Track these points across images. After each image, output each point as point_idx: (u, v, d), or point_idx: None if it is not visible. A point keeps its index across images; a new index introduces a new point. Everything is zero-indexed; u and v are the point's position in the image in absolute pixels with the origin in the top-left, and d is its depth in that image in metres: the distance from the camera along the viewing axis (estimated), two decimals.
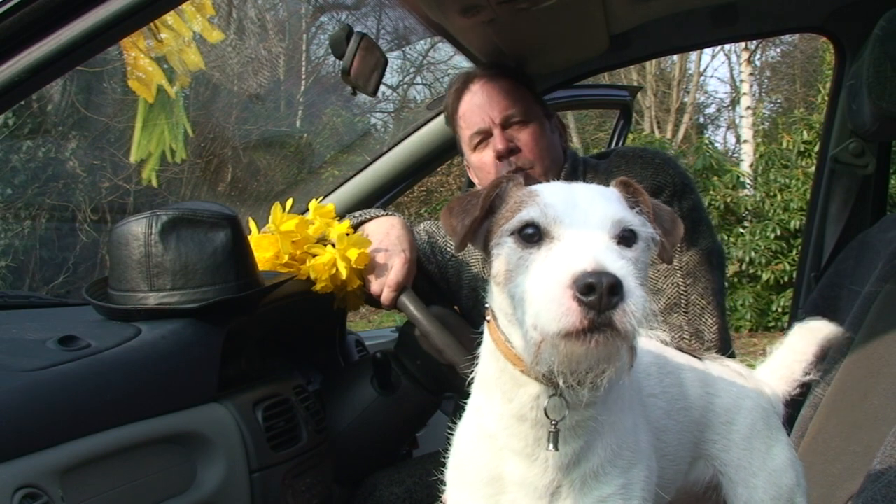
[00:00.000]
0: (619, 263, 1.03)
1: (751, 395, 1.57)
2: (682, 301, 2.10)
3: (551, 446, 1.20)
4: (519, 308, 1.12)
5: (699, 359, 1.60)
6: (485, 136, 2.26)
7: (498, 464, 1.27)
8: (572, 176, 2.24)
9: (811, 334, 1.70)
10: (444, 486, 1.37)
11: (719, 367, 1.61)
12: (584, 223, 1.10)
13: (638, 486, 1.25)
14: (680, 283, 2.11)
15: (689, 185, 2.22)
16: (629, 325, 1.01)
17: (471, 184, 2.68)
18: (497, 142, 2.21)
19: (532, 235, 1.11)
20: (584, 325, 1.00)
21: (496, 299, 1.21)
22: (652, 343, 1.53)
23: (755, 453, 1.53)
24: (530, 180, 2.17)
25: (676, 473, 1.47)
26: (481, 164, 2.28)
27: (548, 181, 2.15)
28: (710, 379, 1.55)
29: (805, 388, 1.72)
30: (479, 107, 2.25)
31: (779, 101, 18.54)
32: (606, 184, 2.19)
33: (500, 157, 2.21)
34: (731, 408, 1.54)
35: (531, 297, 1.07)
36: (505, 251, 1.14)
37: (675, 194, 2.17)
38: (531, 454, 1.24)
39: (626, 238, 1.12)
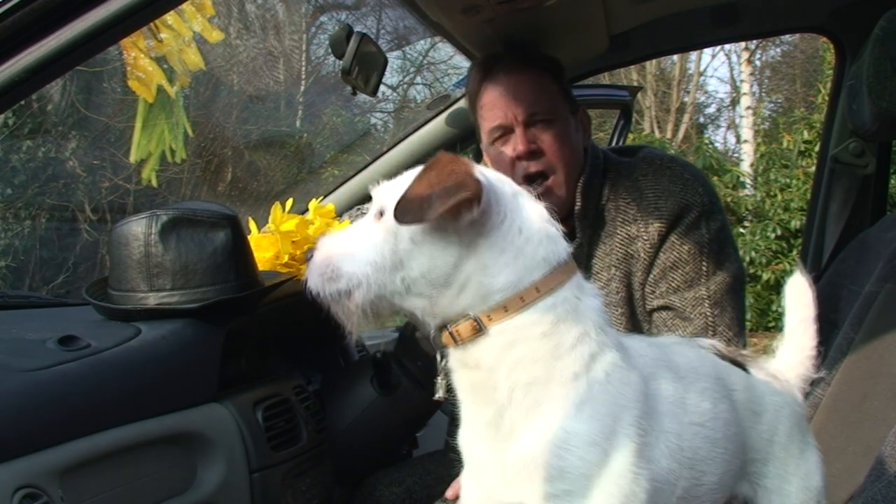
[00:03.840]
0: (326, 240, 1.34)
1: (788, 402, 1.55)
2: (710, 332, 2.03)
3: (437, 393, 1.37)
4: None
5: (745, 366, 1.56)
6: (506, 131, 2.11)
7: (460, 440, 1.36)
8: (592, 181, 2.13)
9: (809, 324, 1.66)
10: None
11: (759, 373, 1.58)
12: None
13: None
14: (708, 314, 2.04)
15: (716, 205, 2.14)
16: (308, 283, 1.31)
17: None
18: (519, 142, 2.08)
19: None
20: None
21: None
22: (710, 360, 1.49)
23: (790, 460, 1.52)
24: (547, 194, 2.05)
25: (718, 501, 1.43)
26: (499, 158, 2.15)
27: (571, 185, 2.10)
28: (758, 395, 1.52)
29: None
30: (502, 100, 2.10)
31: (779, 100, 18.53)
32: (631, 186, 2.15)
33: (520, 158, 2.09)
34: (773, 421, 1.52)
35: None
36: None
37: (702, 215, 2.08)
38: (471, 427, 1.32)
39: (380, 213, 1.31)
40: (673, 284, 2.07)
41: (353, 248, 1.29)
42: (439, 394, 1.36)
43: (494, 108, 2.12)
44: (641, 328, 2.13)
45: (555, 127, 2.10)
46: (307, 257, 1.34)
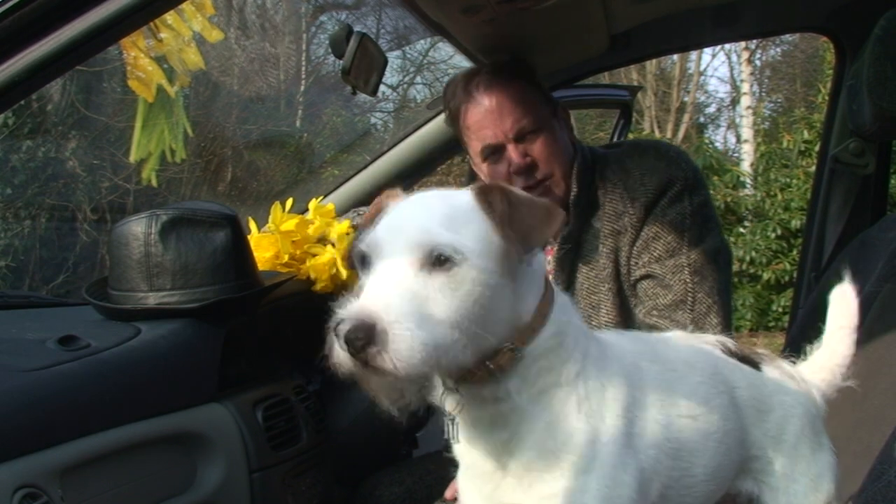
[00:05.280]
0: (388, 307, 1.08)
1: (801, 402, 1.55)
2: (689, 299, 2.09)
3: (450, 436, 1.28)
4: None
5: (758, 363, 1.56)
6: (496, 149, 2.16)
7: (456, 447, 1.34)
8: (585, 171, 2.20)
9: (847, 333, 1.63)
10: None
11: (774, 372, 1.57)
12: (390, 252, 1.14)
13: (589, 496, 1.23)
14: (688, 281, 2.09)
15: (700, 181, 2.21)
16: (391, 365, 1.06)
17: (471, 180, 2.67)
18: (514, 158, 2.12)
19: (366, 262, 1.18)
20: (349, 367, 1.10)
21: None
22: (712, 355, 1.49)
23: (800, 459, 1.52)
24: (547, 195, 2.14)
25: (713, 493, 1.44)
26: (495, 175, 2.19)
27: (566, 185, 2.16)
28: (765, 394, 1.52)
29: None
30: (488, 119, 2.14)
31: (779, 100, 18.51)
32: (618, 168, 2.21)
33: (519, 172, 2.13)
34: (781, 421, 1.52)
35: None
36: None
37: (686, 188, 2.15)
38: (468, 441, 1.30)
39: (438, 260, 1.12)
40: (655, 254, 2.12)
41: (414, 307, 1.09)
42: (453, 440, 1.30)
43: (482, 128, 2.16)
44: (628, 303, 2.18)
45: (543, 134, 2.15)
46: (338, 328, 1.09)
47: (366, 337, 1.06)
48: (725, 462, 1.44)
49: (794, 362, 1.66)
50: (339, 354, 1.09)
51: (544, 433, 1.24)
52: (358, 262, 1.20)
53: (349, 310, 1.10)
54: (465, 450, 1.32)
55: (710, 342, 1.54)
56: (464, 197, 1.22)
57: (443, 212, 1.19)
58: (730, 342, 1.56)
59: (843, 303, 1.64)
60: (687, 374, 1.41)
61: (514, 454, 1.26)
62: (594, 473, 1.24)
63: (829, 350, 1.64)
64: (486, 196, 1.20)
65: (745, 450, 1.49)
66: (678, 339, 1.54)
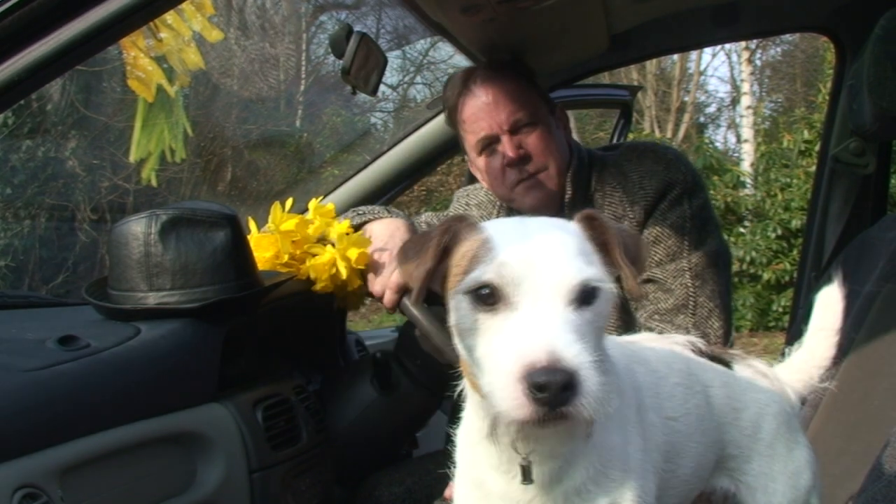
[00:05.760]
0: (574, 350, 1.02)
1: (776, 400, 1.55)
2: (691, 303, 2.09)
3: (523, 479, 1.20)
4: (476, 367, 1.11)
5: (728, 363, 1.56)
6: (492, 141, 2.17)
7: (479, 472, 1.27)
8: (580, 172, 2.21)
9: (828, 335, 1.62)
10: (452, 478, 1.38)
11: (746, 371, 1.57)
12: (542, 288, 1.07)
13: None
14: (689, 285, 2.09)
15: (699, 184, 2.20)
16: (585, 413, 1.01)
17: (471, 180, 2.66)
18: (507, 150, 2.14)
19: (487, 297, 1.08)
20: (538, 416, 1.01)
21: (457, 342, 1.18)
22: (683, 356, 1.50)
23: (777, 458, 1.52)
24: (540, 187, 2.15)
25: (690, 491, 1.45)
26: (490, 169, 2.22)
27: (560, 182, 2.16)
28: (738, 392, 1.52)
29: None
30: (484, 112, 2.16)
31: (779, 100, 18.52)
32: (616, 172, 2.19)
33: (512, 164, 2.15)
34: (756, 418, 1.52)
35: (487, 368, 1.07)
36: (461, 310, 1.12)
37: (685, 192, 2.15)
38: (507, 471, 1.22)
39: (586, 295, 1.09)
40: (656, 258, 2.12)
41: (587, 348, 1.05)
42: (526, 480, 1.22)
43: (478, 120, 2.18)
44: (629, 306, 2.18)
45: (538, 128, 2.16)
46: (528, 375, 1.01)
47: (566, 384, 0.99)
48: (704, 461, 1.45)
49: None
50: (523, 402, 1.01)
51: (594, 454, 1.23)
52: (473, 292, 1.09)
53: (534, 355, 1.01)
54: (501, 480, 1.24)
55: (679, 342, 1.54)
56: (572, 226, 1.19)
57: (574, 244, 1.13)
58: (699, 342, 1.56)
59: (829, 305, 1.63)
60: (667, 375, 1.42)
61: (563, 480, 1.22)
62: (628, 485, 1.24)
63: (809, 351, 1.63)
64: (593, 224, 1.18)
65: (722, 448, 1.50)
66: (645, 340, 1.54)
